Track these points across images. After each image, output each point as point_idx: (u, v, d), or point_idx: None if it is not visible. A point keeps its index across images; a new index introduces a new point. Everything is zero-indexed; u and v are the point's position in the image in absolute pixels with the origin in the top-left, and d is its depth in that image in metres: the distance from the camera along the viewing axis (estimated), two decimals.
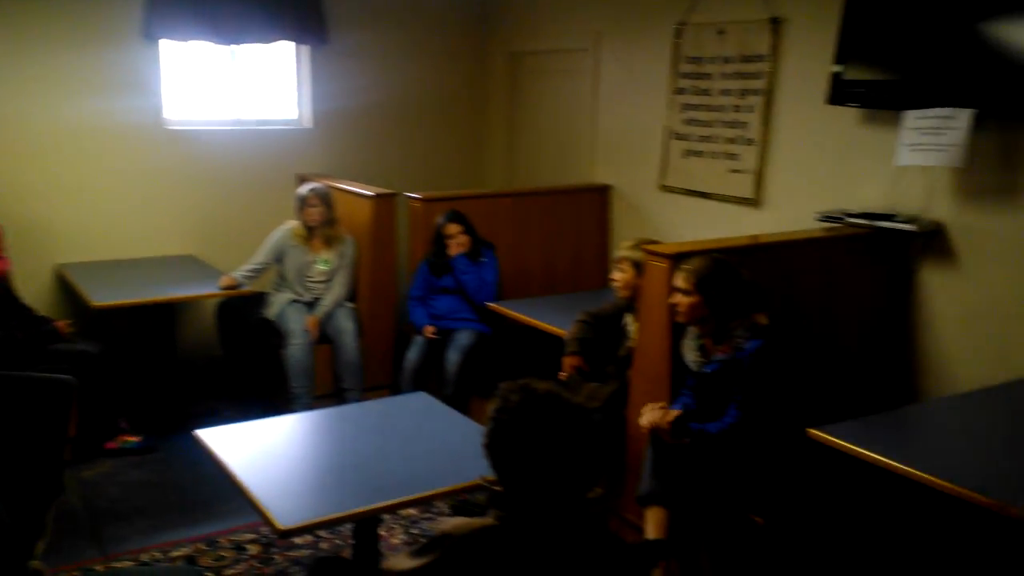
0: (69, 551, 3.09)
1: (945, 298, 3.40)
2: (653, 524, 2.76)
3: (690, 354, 2.98)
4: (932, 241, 3.39)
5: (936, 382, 3.42)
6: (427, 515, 3.45)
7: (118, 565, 3.05)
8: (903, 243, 3.49)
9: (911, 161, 3.27)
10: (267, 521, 2.10)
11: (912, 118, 3.27)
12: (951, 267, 3.36)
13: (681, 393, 3.01)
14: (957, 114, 3.12)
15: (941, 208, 3.37)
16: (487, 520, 1.75)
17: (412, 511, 3.50)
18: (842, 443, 2.51)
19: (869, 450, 2.44)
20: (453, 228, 4.38)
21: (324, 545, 3.25)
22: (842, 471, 2.84)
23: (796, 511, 2.81)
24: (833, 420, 2.63)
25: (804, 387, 2.93)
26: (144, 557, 3.14)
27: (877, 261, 3.52)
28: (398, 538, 3.30)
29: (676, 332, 3.04)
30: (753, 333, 2.80)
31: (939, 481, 2.26)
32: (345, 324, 4.45)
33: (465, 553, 1.70)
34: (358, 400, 4.27)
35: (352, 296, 4.63)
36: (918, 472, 2.31)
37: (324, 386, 4.42)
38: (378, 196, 4.59)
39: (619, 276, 3.56)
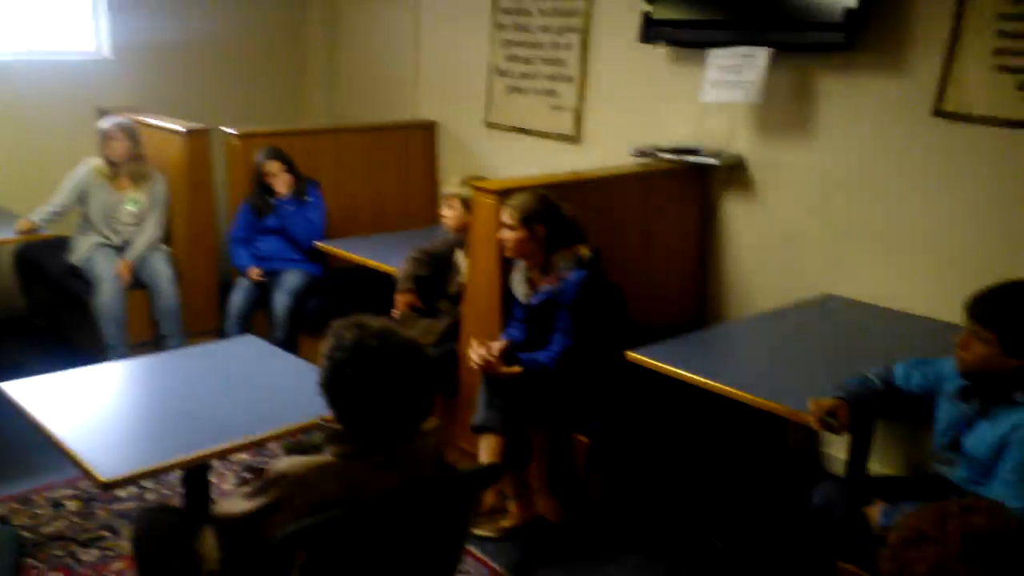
0: None
1: (745, 226, 3.69)
2: (486, 450, 2.87)
3: (519, 287, 3.09)
4: (734, 173, 3.66)
5: (740, 303, 3.73)
6: (260, 459, 3.41)
7: None
8: (709, 176, 3.74)
9: (714, 98, 3.49)
10: (87, 474, 2.01)
11: (714, 56, 3.48)
12: (750, 197, 3.64)
13: (510, 325, 3.12)
14: (755, 53, 3.35)
15: (741, 142, 3.62)
16: (325, 458, 1.77)
17: (244, 456, 3.45)
18: (656, 363, 2.72)
19: (680, 368, 2.65)
20: (274, 166, 4.23)
21: (150, 496, 3.15)
22: (662, 389, 3.07)
23: (620, 428, 3.00)
24: (652, 342, 2.84)
25: (625, 314, 3.11)
26: None
27: (687, 193, 3.75)
28: (230, 484, 3.25)
29: (506, 266, 3.13)
30: (576, 265, 2.93)
31: (740, 393, 2.50)
32: (160, 268, 4.24)
33: (303, 491, 1.71)
34: (179, 347, 4.10)
35: (167, 239, 4.40)
36: (722, 386, 2.55)
37: (142, 334, 4.21)
38: (190, 132, 4.34)
39: (448, 213, 3.60)
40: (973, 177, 2.98)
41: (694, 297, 3.85)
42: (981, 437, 2.11)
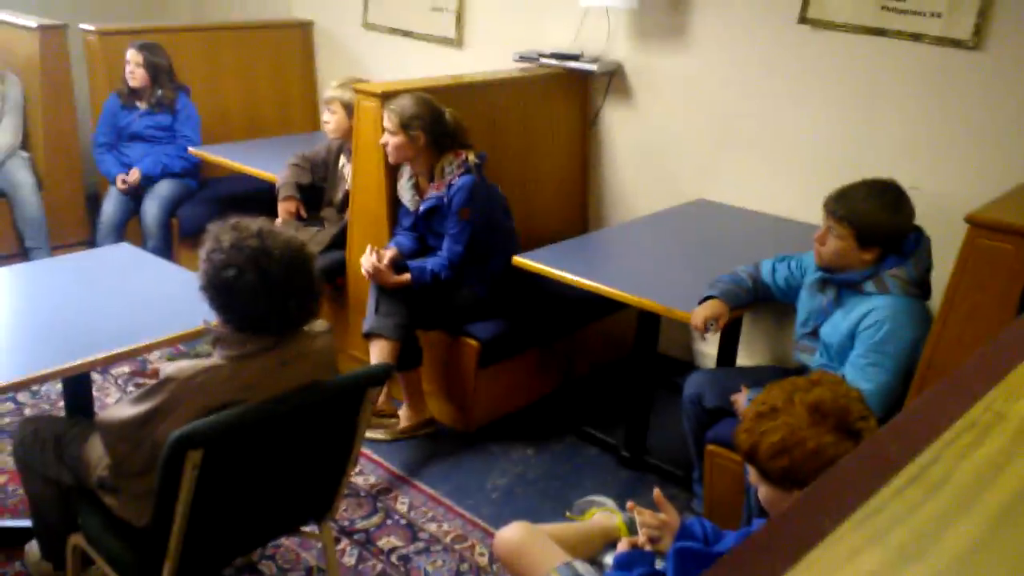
0: None
1: (624, 133, 3.78)
2: (378, 355, 2.91)
3: (406, 194, 3.08)
4: (613, 80, 3.72)
5: (621, 211, 3.85)
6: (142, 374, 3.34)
7: None
8: (589, 82, 3.79)
9: (594, 2, 3.50)
10: None
11: None
12: (628, 104, 3.72)
13: (398, 232, 3.13)
14: None
15: (620, 49, 3.68)
16: (214, 361, 1.77)
17: (125, 369, 3.37)
18: (541, 267, 2.81)
19: (563, 272, 2.75)
20: (133, 56, 3.95)
21: (28, 412, 3.06)
22: (546, 294, 3.17)
23: (507, 332, 3.10)
24: (536, 248, 2.92)
25: (510, 220, 3.17)
26: None
27: (569, 100, 3.80)
28: (113, 398, 3.19)
29: (392, 173, 3.12)
30: (462, 170, 2.95)
31: (619, 293, 2.62)
32: (20, 176, 3.99)
33: (192, 393, 1.71)
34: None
35: (25, 145, 4.12)
36: (602, 287, 2.66)
37: (6, 247, 3.98)
38: (43, 28, 4.03)
39: (330, 118, 3.52)
40: (836, 82, 3.15)
41: (577, 205, 3.94)
42: (835, 326, 2.31)
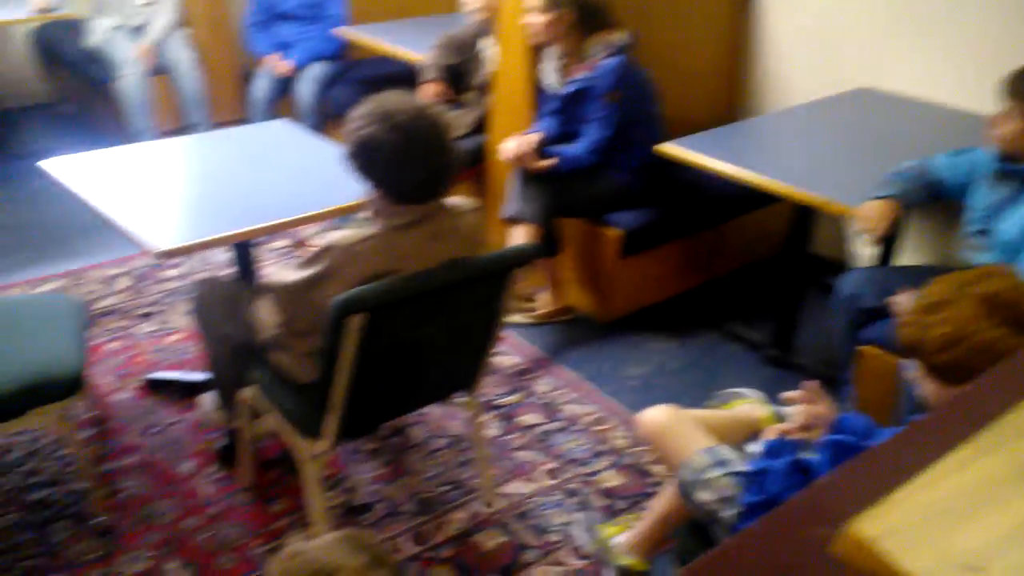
0: None
1: (782, 15, 3.54)
2: (519, 239, 2.93)
3: (550, 76, 3.02)
4: None
5: (774, 101, 3.66)
6: (302, 245, 3.51)
7: None
8: None
9: None
10: (141, 246, 2.07)
11: None
12: None
13: (541, 116, 3.09)
14: None
15: None
16: (372, 230, 1.83)
17: (284, 242, 3.55)
18: (687, 155, 2.71)
19: (711, 160, 2.65)
20: None
21: (199, 277, 3.28)
22: (692, 185, 3.08)
23: (651, 222, 3.05)
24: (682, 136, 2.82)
25: (658, 105, 3.07)
26: (9, 292, 3.07)
27: None
28: (269, 271, 3.37)
29: (537, 55, 3.05)
30: (610, 51, 2.86)
31: (773, 183, 2.51)
32: (181, 53, 4.15)
33: (352, 261, 1.78)
34: None
35: (184, 22, 4.27)
36: (753, 176, 2.55)
37: (168, 122, 4.19)
38: None
39: None
40: None
41: (727, 93, 3.77)
42: (1012, 219, 2.14)
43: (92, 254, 3.35)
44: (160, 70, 4.12)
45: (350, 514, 2.24)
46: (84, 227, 3.41)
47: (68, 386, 2.02)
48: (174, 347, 2.87)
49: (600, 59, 2.86)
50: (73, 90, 4.61)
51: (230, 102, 4.44)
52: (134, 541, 2.12)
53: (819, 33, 3.43)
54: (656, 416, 1.81)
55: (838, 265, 3.42)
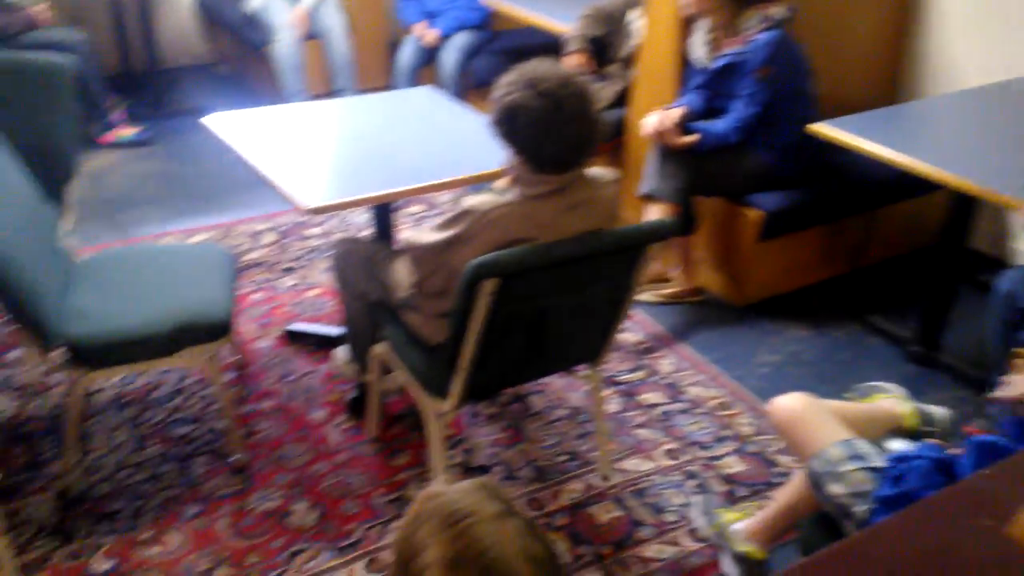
0: (88, 234, 3.21)
1: None
2: (653, 217, 2.88)
3: (699, 50, 2.94)
4: None
5: (939, 81, 3.42)
6: (434, 212, 3.58)
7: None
8: None
9: None
10: (291, 203, 2.16)
11: None
12: None
13: (686, 91, 3.01)
14: None
15: None
16: (509, 198, 1.83)
17: (420, 207, 3.63)
18: (842, 137, 2.58)
19: (867, 142, 2.51)
20: None
21: (338, 236, 3.39)
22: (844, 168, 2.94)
23: (795, 205, 2.93)
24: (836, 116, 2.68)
25: (812, 84, 2.93)
26: (166, 240, 3.28)
27: None
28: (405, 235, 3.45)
29: (686, 28, 2.97)
30: (766, 24, 2.74)
31: (932, 169, 2.36)
32: (333, 19, 4.28)
33: (489, 226, 1.79)
34: None
35: None
36: (912, 160, 2.40)
37: (317, 87, 4.34)
38: None
39: None
40: None
41: (888, 72, 3.55)
42: None
43: (242, 209, 3.52)
44: (313, 35, 4.27)
45: (468, 474, 2.28)
46: (236, 183, 3.59)
47: (217, 330, 2.14)
48: (313, 301, 2.99)
49: (754, 32, 2.75)
50: (231, 52, 4.85)
51: (376, 69, 4.56)
52: (266, 480, 2.23)
53: (995, 13, 3.18)
54: (790, 403, 1.74)
55: (997, 262, 3.19)
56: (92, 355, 2.04)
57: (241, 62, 4.79)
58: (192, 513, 2.13)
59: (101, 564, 1.98)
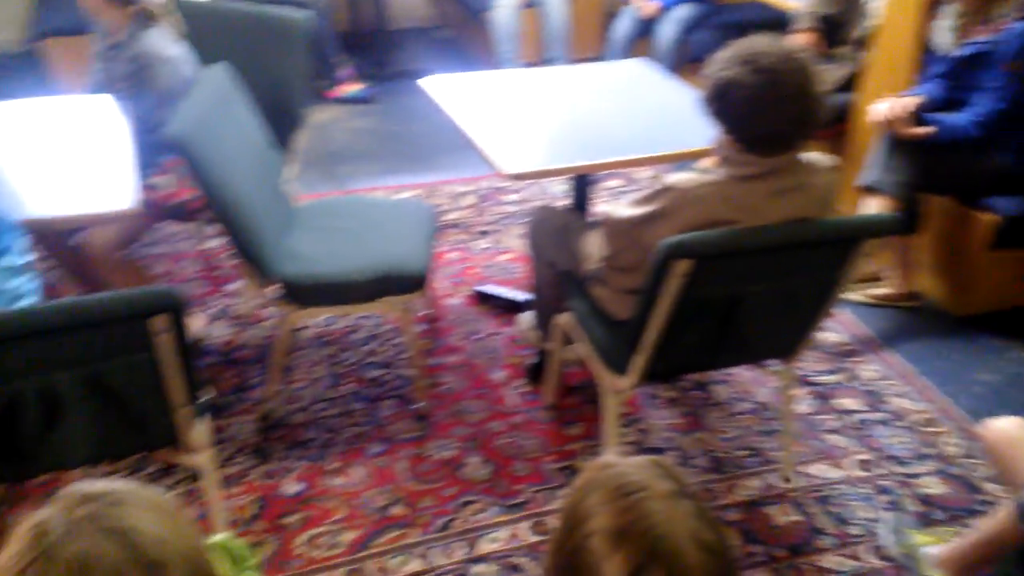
0: (308, 183, 3.43)
1: None
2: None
3: (943, 35, 2.68)
4: None
5: None
6: (632, 187, 3.53)
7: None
8: None
9: None
10: (493, 167, 2.19)
11: None
12: None
13: (924, 79, 2.76)
14: None
15: None
16: (714, 177, 1.76)
17: (619, 182, 3.59)
18: None
19: None
20: None
21: (535, 204, 3.43)
22: None
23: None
24: None
25: None
26: (376, 194, 3.45)
27: None
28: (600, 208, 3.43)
29: (931, 10, 2.72)
30: None
31: None
32: None
33: (690, 205, 1.73)
34: None
35: None
36: None
37: (529, 55, 4.39)
38: None
39: None
40: None
41: None
42: None
43: (446, 170, 3.64)
44: (532, 3, 4.31)
45: (640, 454, 2.24)
46: (443, 145, 3.71)
47: (414, 283, 2.23)
48: (504, 265, 3.04)
49: (1010, 20, 2.47)
50: (453, 16, 5.00)
51: (590, 39, 4.53)
52: (445, 430, 2.31)
53: None
54: (1007, 427, 1.58)
55: None
56: (302, 294, 2.18)
57: (461, 27, 4.93)
58: (375, 451, 2.24)
59: (291, 487, 2.13)
